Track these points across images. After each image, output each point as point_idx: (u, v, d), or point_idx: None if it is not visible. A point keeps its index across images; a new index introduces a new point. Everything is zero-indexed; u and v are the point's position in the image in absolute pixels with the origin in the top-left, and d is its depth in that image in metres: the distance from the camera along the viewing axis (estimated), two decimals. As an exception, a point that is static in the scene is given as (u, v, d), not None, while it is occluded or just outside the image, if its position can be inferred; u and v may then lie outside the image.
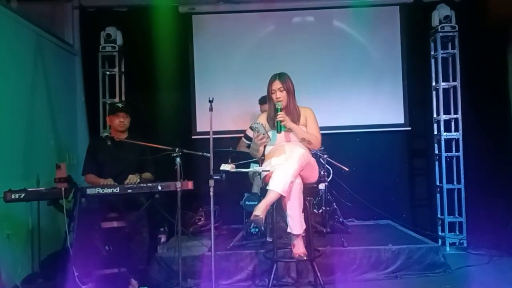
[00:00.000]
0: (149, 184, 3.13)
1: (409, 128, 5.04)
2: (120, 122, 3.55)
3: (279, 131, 3.09)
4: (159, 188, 3.08)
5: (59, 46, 4.55)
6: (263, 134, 2.99)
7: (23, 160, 3.69)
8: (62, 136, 4.40)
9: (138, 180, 3.31)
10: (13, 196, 2.90)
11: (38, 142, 3.94)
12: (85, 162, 3.61)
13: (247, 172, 3.32)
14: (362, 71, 5.02)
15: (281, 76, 3.19)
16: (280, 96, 3.16)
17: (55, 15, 4.72)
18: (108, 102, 4.87)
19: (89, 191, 3.05)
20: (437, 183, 4.69)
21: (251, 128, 3.00)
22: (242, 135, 4.53)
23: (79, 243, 2.99)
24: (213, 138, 3.07)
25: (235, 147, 4.41)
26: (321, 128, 3.32)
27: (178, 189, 3.04)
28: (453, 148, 4.67)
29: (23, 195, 2.93)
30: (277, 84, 3.17)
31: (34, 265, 3.64)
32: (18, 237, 3.40)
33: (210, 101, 3.06)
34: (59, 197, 2.93)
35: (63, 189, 2.93)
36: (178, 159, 3.05)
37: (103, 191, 3.05)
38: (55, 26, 4.63)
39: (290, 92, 3.19)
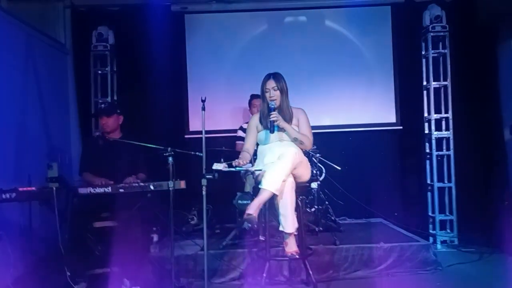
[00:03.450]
0: (142, 184, 3.12)
1: (401, 127, 5.08)
2: (103, 124, 3.57)
3: (272, 132, 3.10)
4: (152, 187, 3.07)
5: (50, 45, 4.52)
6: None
7: (15, 160, 3.67)
8: (54, 136, 4.37)
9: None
10: (4, 196, 2.88)
11: (30, 142, 3.91)
12: (81, 161, 3.63)
13: (239, 171, 3.33)
14: (354, 71, 5.05)
15: (276, 76, 3.21)
16: (273, 95, 3.17)
17: (47, 14, 4.68)
18: (100, 101, 4.85)
19: (81, 190, 3.04)
20: (428, 182, 4.74)
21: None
22: (235, 134, 4.55)
23: (71, 243, 2.98)
24: (206, 138, 3.07)
25: (228, 146, 4.42)
26: (314, 127, 3.34)
27: (171, 189, 3.04)
28: (444, 147, 4.71)
29: (14, 195, 2.90)
30: (271, 83, 3.18)
31: (26, 265, 3.62)
32: (9, 237, 3.37)
33: (203, 101, 3.07)
34: (50, 197, 2.91)
35: (54, 188, 2.92)
36: (170, 159, 3.04)
37: (94, 190, 3.04)
38: (47, 25, 4.59)
39: (284, 92, 3.20)
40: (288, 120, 3.20)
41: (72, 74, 4.91)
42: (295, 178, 3.02)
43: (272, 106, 3.13)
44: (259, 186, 2.90)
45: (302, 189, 3.23)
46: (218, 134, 4.80)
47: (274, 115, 3.09)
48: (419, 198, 4.97)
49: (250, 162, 3.24)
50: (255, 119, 3.31)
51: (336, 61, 5.08)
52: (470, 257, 4.00)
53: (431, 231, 4.66)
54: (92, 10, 5.00)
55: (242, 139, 4.31)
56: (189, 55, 5.09)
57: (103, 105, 3.73)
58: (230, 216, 4.08)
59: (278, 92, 3.17)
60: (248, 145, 3.30)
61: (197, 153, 3.11)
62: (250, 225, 3.68)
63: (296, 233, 3.04)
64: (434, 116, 4.69)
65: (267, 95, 3.19)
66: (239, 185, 3.89)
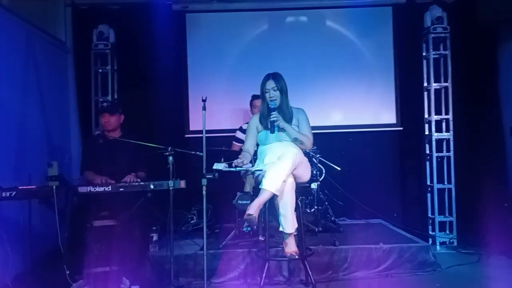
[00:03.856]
0: (142, 183, 3.12)
1: (401, 128, 5.08)
2: (105, 122, 3.56)
3: (272, 132, 3.10)
4: (152, 187, 3.08)
5: (51, 43, 4.52)
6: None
7: (15, 158, 3.67)
8: (54, 134, 4.37)
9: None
10: (4, 194, 2.88)
11: (30, 140, 3.91)
12: (82, 160, 3.63)
13: (239, 171, 3.33)
14: (355, 71, 5.05)
15: (275, 76, 3.21)
16: (273, 95, 3.18)
17: (47, 12, 4.67)
18: (101, 100, 4.85)
19: (81, 189, 3.03)
20: (428, 183, 4.73)
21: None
22: (234, 134, 4.54)
23: (70, 242, 2.98)
24: (206, 137, 3.07)
25: (228, 146, 4.42)
26: (314, 128, 3.34)
27: (171, 188, 3.04)
28: (444, 148, 4.71)
29: (14, 193, 2.91)
30: (271, 84, 3.19)
31: (25, 263, 3.62)
32: (9, 235, 3.37)
33: (204, 100, 3.07)
34: (50, 195, 2.91)
35: (54, 187, 2.92)
36: (170, 158, 3.05)
37: (94, 189, 3.04)
38: (47, 24, 4.58)
39: (283, 92, 3.21)
40: (288, 120, 3.20)
41: (73, 73, 4.91)
42: (295, 178, 3.02)
43: (272, 106, 3.13)
44: (260, 187, 2.90)
45: (302, 190, 3.24)
46: (218, 133, 4.79)
47: (274, 115, 3.09)
48: (418, 199, 4.97)
49: (250, 162, 3.24)
50: (255, 119, 3.32)
51: (337, 61, 5.07)
52: (469, 259, 4.00)
53: (430, 232, 4.66)
54: (93, 8, 4.98)
55: (239, 140, 4.33)
56: (190, 54, 5.09)
57: (105, 104, 3.73)
58: (230, 216, 4.07)
59: (277, 93, 3.18)
60: (248, 145, 3.30)
61: (197, 152, 3.11)
62: (249, 228, 3.70)
63: (295, 234, 3.05)
64: (435, 117, 4.69)
65: (267, 95, 3.20)
66: (239, 185, 3.89)
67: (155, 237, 3.69)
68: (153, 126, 4.79)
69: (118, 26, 4.91)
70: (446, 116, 4.69)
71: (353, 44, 5.06)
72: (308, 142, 3.19)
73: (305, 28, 5.12)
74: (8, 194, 2.89)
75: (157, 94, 4.94)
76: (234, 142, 4.48)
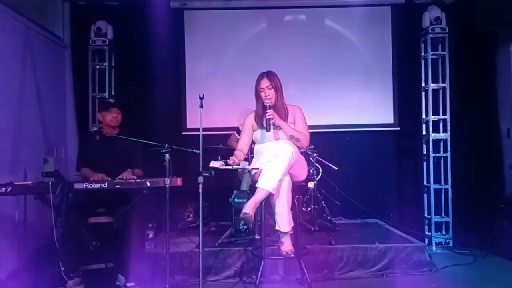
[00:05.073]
0: (138, 180, 3.12)
1: (398, 128, 5.08)
2: (113, 118, 3.53)
3: (268, 130, 3.09)
4: (148, 184, 3.07)
5: (48, 39, 4.49)
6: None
7: (11, 154, 3.65)
8: (50, 130, 4.35)
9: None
10: (-1, 190, 2.87)
11: (26, 136, 3.89)
12: (79, 157, 3.60)
13: (236, 169, 3.33)
14: (353, 71, 5.04)
15: (269, 74, 3.22)
16: (268, 94, 3.18)
17: (45, 7, 4.65)
18: (98, 96, 4.83)
19: (77, 185, 3.02)
20: (425, 183, 4.75)
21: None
22: (233, 132, 4.52)
23: (66, 238, 2.97)
24: (203, 135, 3.06)
25: (225, 144, 4.41)
26: (311, 127, 3.34)
27: (167, 185, 3.03)
28: (441, 149, 4.72)
29: (9, 189, 2.89)
30: (265, 82, 3.19)
31: (20, 259, 3.60)
32: (4, 231, 3.36)
33: (201, 98, 3.06)
34: (46, 191, 2.90)
35: (50, 183, 2.91)
36: (167, 155, 3.04)
37: (90, 186, 3.03)
38: (45, 19, 4.56)
39: (278, 90, 3.21)
40: (284, 117, 3.21)
41: (70, 68, 4.88)
42: (291, 177, 3.02)
43: (267, 104, 3.13)
44: (256, 185, 2.90)
45: (298, 188, 3.23)
46: (215, 131, 4.77)
47: (270, 113, 3.09)
48: (415, 199, 4.98)
49: (246, 160, 3.24)
50: (251, 117, 3.32)
51: (335, 60, 5.06)
52: (464, 259, 4.01)
53: (426, 232, 4.68)
54: (91, 4, 4.97)
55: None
56: (188, 51, 5.07)
57: (111, 99, 3.69)
58: (226, 214, 4.07)
59: (272, 91, 3.19)
60: (243, 144, 3.30)
61: (194, 150, 3.10)
62: (246, 226, 3.70)
63: (291, 232, 3.05)
64: (432, 117, 4.70)
65: (262, 94, 3.20)
66: (235, 183, 3.88)
67: (151, 234, 3.69)
68: (150, 123, 4.78)
69: (116, 23, 4.89)
70: (443, 117, 4.70)
71: (351, 44, 5.06)
72: (305, 139, 3.19)
73: (303, 27, 5.11)
74: (3, 189, 2.87)
75: (154, 91, 4.93)
76: (235, 133, 4.44)
